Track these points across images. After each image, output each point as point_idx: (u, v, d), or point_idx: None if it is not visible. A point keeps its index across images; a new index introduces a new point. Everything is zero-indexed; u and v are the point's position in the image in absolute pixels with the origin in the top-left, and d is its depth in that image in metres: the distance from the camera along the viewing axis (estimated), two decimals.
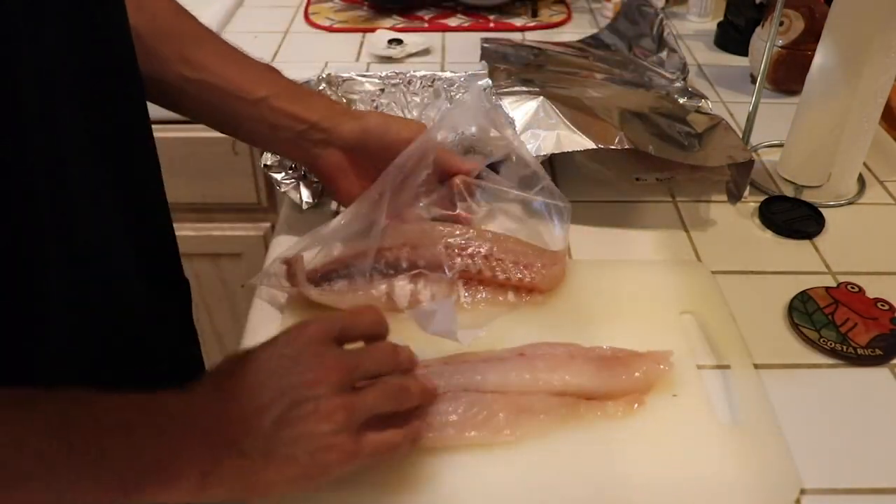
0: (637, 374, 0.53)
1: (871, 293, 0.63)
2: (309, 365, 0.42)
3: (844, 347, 0.58)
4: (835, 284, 0.65)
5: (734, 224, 0.73)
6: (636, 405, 0.52)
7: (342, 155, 0.63)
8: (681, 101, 0.81)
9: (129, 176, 0.52)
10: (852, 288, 0.64)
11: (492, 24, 1.17)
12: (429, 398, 0.49)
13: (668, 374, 0.53)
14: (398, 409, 0.45)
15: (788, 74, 0.93)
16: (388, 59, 1.04)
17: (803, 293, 0.63)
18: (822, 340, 0.58)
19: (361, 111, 0.72)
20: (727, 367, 0.56)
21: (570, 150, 0.69)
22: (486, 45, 0.96)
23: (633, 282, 0.64)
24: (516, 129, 0.71)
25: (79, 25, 0.43)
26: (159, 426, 0.39)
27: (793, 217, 0.73)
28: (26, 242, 0.40)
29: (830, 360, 0.58)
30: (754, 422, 0.52)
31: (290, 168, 0.74)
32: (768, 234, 0.72)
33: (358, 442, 0.42)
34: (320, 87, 0.82)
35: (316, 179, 0.73)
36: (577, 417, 0.51)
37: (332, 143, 0.62)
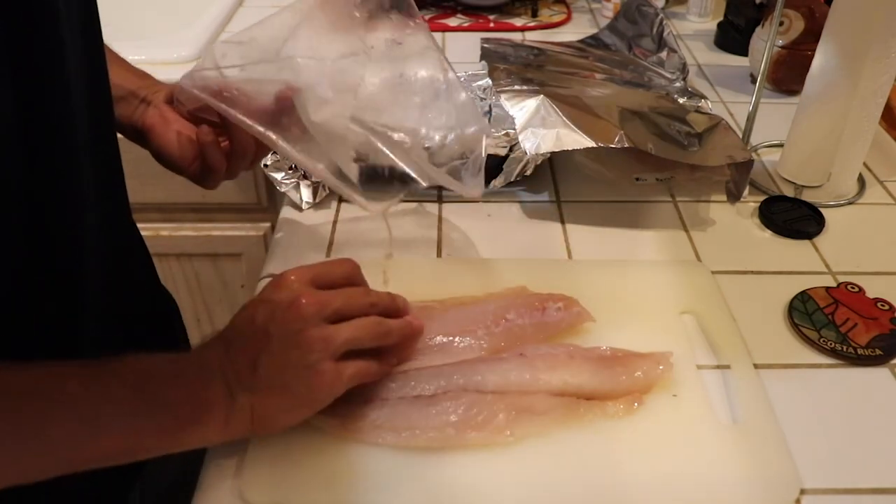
0: (637, 374, 0.53)
1: (871, 293, 0.63)
2: (286, 306, 0.47)
3: (844, 347, 0.58)
4: (835, 284, 0.65)
5: (734, 224, 0.73)
6: (636, 405, 0.52)
7: (164, 108, 0.61)
8: (681, 100, 0.81)
9: (112, 178, 0.54)
10: (852, 288, 0.64)
11: (492, 24, 1.17)
12: (411, 335, 0.53)
13: (667, 374, 0.53)
14: (379, 344, 0.50)
15: (788, 74, 0.93)
16: None
17: (803, 293, 0.63)
18: (822, 340, 0.58)
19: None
20: (727, 367, 0.56)
21: (569, 149, 0.69)
22: (486, 45, 0.96)
23: (632, 282, 0.64)
24: (516, 127, 0.71)
25: (87, 25, 0.46)
26: (199, 372, 0.46)
27: (793, 217, 0.73)
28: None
29: (830, 360, 0.58)
30: (754, 422, 0.52)
31: (290, 168, 0.74)
32: (768, 234, 0.72)
33: (338, 368, 0.46)
34: None
35: (316, 179, 0.73)
36: (576, 417, 0.51)
37: (151, 101, 0.61)
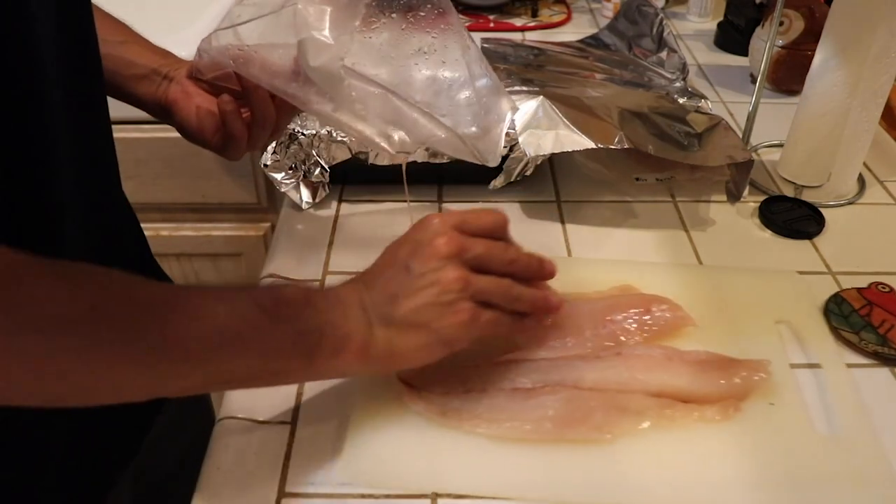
0: (736, 380, 0.53)
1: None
2: (426, 243, 0.48)
3: (886, 350, 0.58)
4: (835, 284, 0.65)
5: (734, 224, 0.73)
6: (733, 411, 0.51)
7: (186, 82, 0.61)
8: (681, 101, 0.81)
9: (100, 172, 0.53)
10: (883, 288, 0.63)
11: (492, 24, 1.17)
12: (543, 309, 0.52)
13: (765, 382, 0.53)
14: (508, 306, 0.50)
15: (788, 74, 0.93)
16: None
17: (836, 295, 0.63)
18: (862, 343, 0.58)
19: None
20: (822, 376, 0.56)
21: (569, 150, 0.69)
22: (486, 45, 0.96)
23: (729, 288, 0.63)
24: (516, 128, 0.71)
25: (68, 13, 0.45)
26: (336, 304, 0.46)
27: (793, 217, 0.73)
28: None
29: (870, 361, 0.58)
30: (853, 433, 0.51)
31: (290, 168, 0.74)
32: (768, 234, 0.72)
33: (476, 310, 0.47)
34: None
35: (317, 179, 0.73)
36: (672, 419, 0.51)
37: (173, 77, 0.61)
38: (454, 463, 0.49)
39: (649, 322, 0.57)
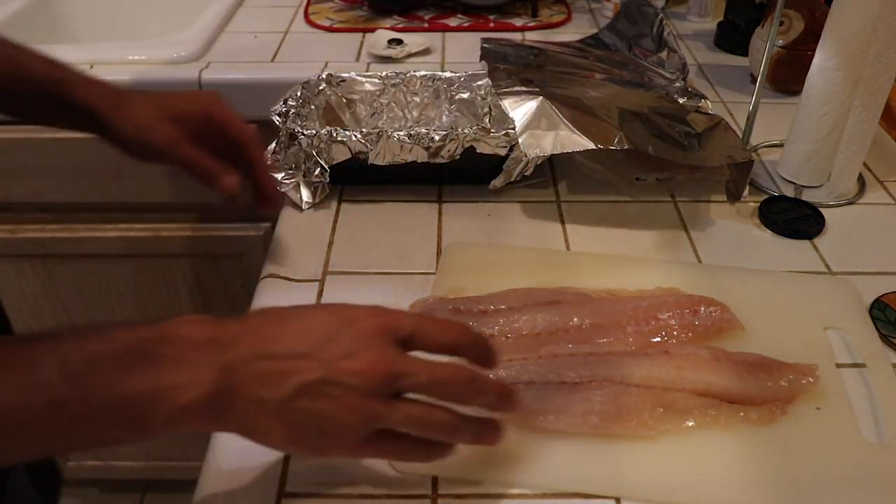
0: (782, 382, 0.52)
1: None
2: (358, 351, 0.40)
3: None
4: (836, 284, 0.65)
5: (734, 224, 0.73)
6: (779, 413, 0.51)
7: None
8: (681, 101, 0.81)
9: None
10: None
11: (492, 24, 1.17)
12: (488, 439, 0.45)
13: (812, 387, 0.53)
14: (425, 437, 0.43)
15: (788, 74, 0.93)
16: (388, 59, 1.04)
17: (879, 301, 0.62)
18: None
19: (129, 95, 0.62)
20: (871, 383, 0.55)
21: (569, 151, 0.69)
22: (486, 45, 0.96)
23: (778, 292, 0.63)
24: (516, 129, 0.71)
25: None
26: (177, 362, 0.39)
27: (793, 217, 0.72)
28: None
29: None
30: None
31: (290, 168, 0.74)
32: (768, 234, 0.72)
33: (363, 444, 0.41)
34: (320, 87, 0.82)
35: (317, 179, 0.73)
36: (717, 419, 0.51)
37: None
38: (500, 454, 0.48)
39: (696, 322, 0.57)
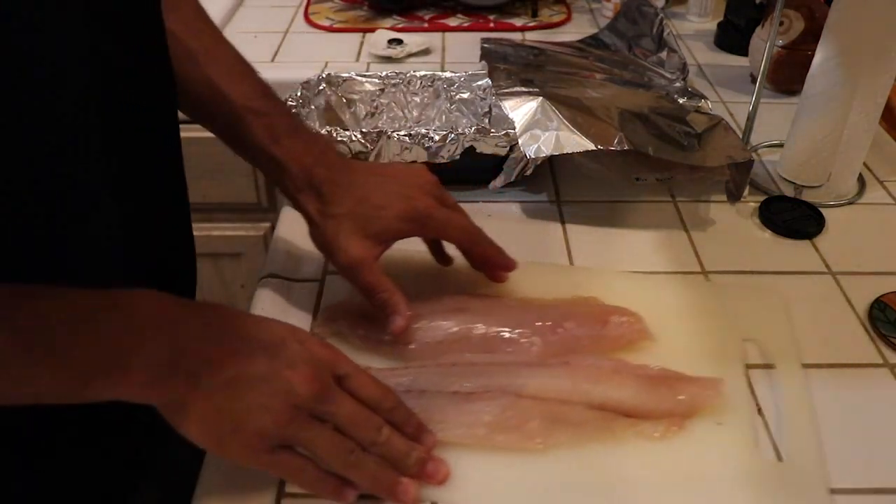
0: (681, 397, 0.51)
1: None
2: (299, 365, 0.42)
3: None
4: (835, 285, 0.65)
5: (734, 224, 0.73)
6: (674, 429, 0.50)
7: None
8: (680, 101, 0.81)
9: (146, 184, 0.51)
10: None
11: (492, 24, 1.17)
12: (385, 488, 0.45)
13: (715, 401, 0.51)
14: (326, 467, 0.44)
15: (788, 74, 0.93)
16: (388, 59, 1.04)
17: (879, 301, 0.62)
18: None
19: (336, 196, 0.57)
20: (781, 398, 0.54)
21: (569, 152, 0.69)
22: (486, 45, 0.96)
23: (704, 302, 0.62)
24: (516, 130, 0.71)
25: (101, 23, 0.43)
26: (127, 325, 0.40)
27: (793, 217, 0.72)
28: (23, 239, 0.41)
29: None
30: (800, 464, 0.49)
31: None
32: (768, 234, 0.72)
33: (266, 451, 0.42)
34: (320, 87, 0.82)
35: None
36: (612, 434, 0.50)
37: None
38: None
39: (604, 333, 0.56)
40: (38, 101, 0.39)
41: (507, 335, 0.56)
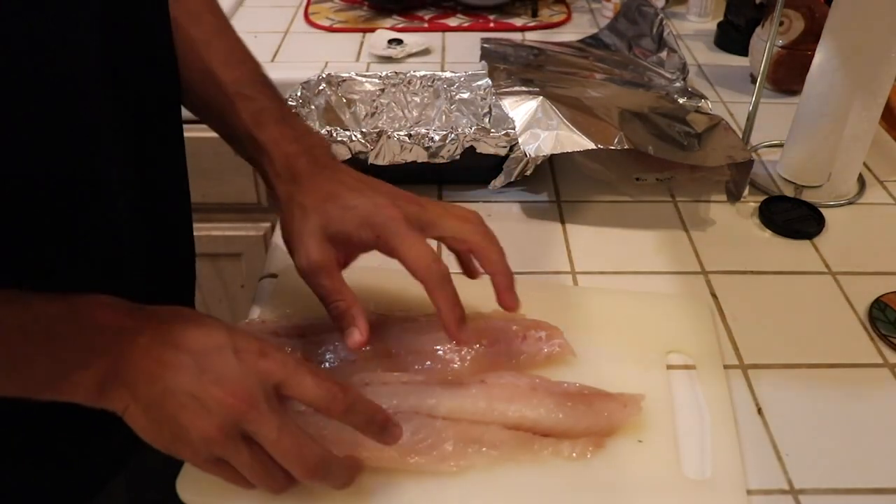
0: (605, 413, 0.49)
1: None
2: (227, 379, 0.41)
3: None
4: (835, 285, 0.65)
5: (734, 224, 0.73)
6: (592, 447, 0.48)
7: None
8: (680, 101, 0.81)
9: (153, 175, 0.52)
10: None
11: (492, 24, 1.17)
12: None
13: (635, 418, 0.49)
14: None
15: (788, 74, 0.93)
16: (388, 59, 1.04)
17: (879, 301, 0.62)
18: None
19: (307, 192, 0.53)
20: (706, 415, 0.52)
21: (569, 151, 0.69)
22: (486, 45, 0.96)
23: (629, 314, 0.60)
24: (516, 129, 0.71)
25: (114, 21, 0.44)
26: (77, 339, 0.41)
27: (793, 217, 0.72)
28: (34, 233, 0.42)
29: None
30: (722, 479, 0.47)
31: None
32: (768, 234, 0.72)
33: (205, 461, 0.42)
34: (320, 87, 0.82)
35: None
36: (529, 454, 0.48)
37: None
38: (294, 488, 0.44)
39: (523, 349, 0.54)
40: (54, 97, 0.40)
41: (423, 352, 0.53)
